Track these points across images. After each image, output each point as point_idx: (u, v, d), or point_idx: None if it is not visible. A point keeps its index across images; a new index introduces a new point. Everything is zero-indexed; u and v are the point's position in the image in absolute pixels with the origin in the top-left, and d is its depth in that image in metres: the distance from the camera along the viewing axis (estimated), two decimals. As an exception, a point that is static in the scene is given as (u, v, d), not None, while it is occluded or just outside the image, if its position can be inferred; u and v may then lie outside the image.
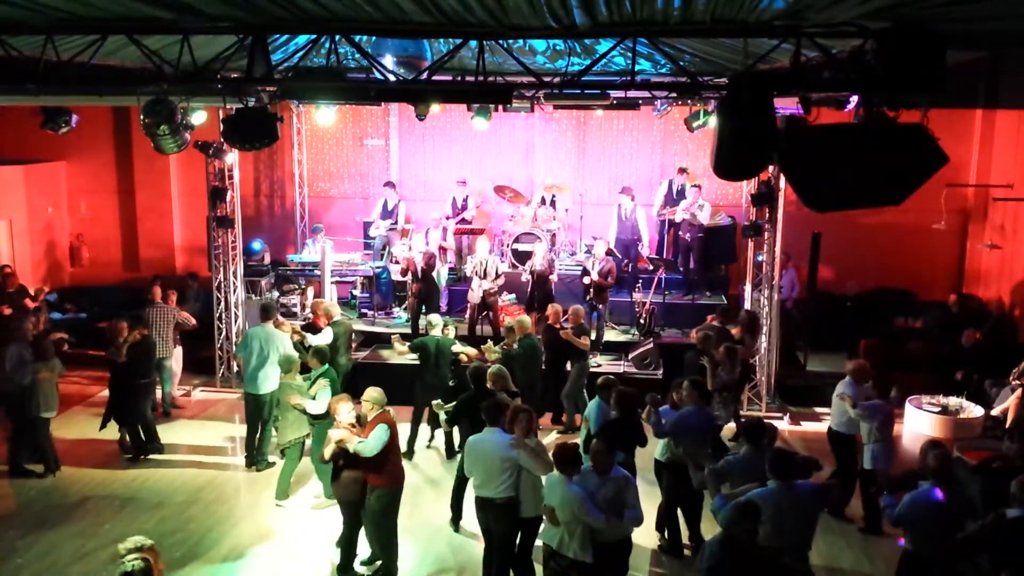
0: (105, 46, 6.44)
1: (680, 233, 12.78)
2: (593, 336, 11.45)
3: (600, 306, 11.43)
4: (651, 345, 11.16)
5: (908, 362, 11.47)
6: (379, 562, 6.97)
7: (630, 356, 11.28)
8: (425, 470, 9.14)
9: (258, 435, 9.07)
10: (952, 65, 5.54)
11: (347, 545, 6.97)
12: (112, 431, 9.41)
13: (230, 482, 8.83)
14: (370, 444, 6.49)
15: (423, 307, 11.73)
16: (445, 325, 9.43)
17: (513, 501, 6.20)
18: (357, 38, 6.25)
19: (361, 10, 5.47)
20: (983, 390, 10.34)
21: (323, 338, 9.52)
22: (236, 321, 11.66)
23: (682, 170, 13.11)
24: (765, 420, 6.97)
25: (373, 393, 6.80)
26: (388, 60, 6.54)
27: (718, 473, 6.07)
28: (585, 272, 11.47)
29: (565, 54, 7.63)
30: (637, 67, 6.30)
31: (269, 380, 8.87)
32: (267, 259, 13.08)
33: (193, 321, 10.77)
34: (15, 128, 13.47)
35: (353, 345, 10.98)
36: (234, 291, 11.66)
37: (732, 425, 8.66)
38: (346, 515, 6.91)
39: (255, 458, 9.03)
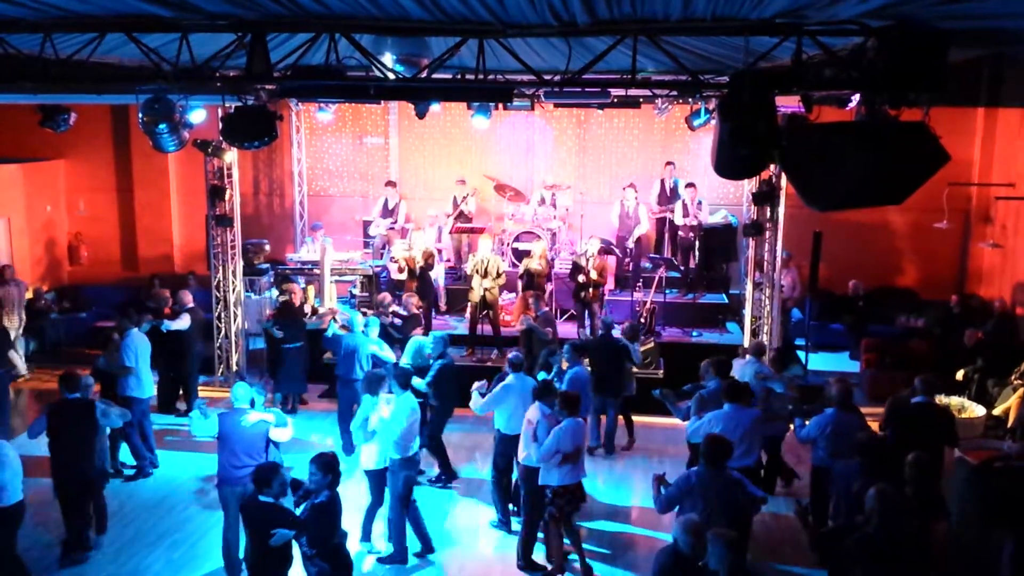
0: (103, 44, 6.43)
1: (680, 232, 12.73)
2: (588, 334, 11.46)
3: (593, 304, 11.34)
4: (652, 344, 11.14)
5: (910, 361, 11.43)
6: None
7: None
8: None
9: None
10: (954, 63, 5.53)
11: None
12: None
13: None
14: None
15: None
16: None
17: None
18: (357, 36, 6.23)
19: (361, 8, 5.46)
20: (985, 389, 10.31)
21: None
22: (235, 320, 11.64)
23: (669, 164, 13.07)
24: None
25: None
26: (388, 58, 6.51)
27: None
28: (576, 269, 11.39)
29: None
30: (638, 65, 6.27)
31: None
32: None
33: None
34: (13, 126, 13.44)
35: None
36: (233, 290, 11.64)
37: None
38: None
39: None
